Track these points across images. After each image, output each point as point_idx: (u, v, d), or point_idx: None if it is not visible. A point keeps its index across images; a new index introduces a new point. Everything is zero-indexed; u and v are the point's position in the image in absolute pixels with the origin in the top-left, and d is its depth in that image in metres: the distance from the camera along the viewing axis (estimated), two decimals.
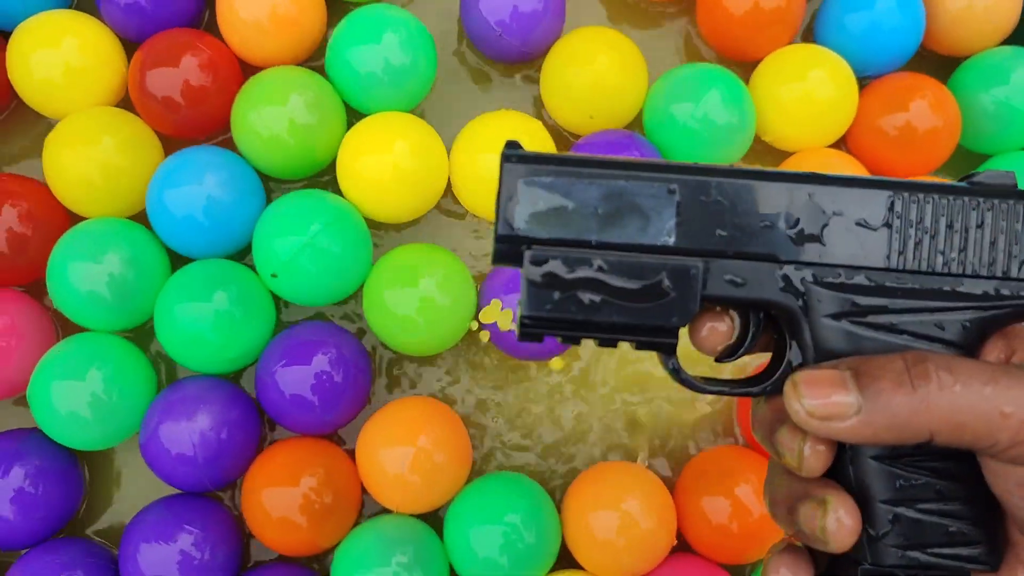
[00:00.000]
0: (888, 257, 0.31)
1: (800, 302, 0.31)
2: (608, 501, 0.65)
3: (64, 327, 0.72)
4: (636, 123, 0.75)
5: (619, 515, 0.65)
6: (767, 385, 0.31)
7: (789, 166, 0.74)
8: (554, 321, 0.30)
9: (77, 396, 0.64)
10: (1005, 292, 0.30)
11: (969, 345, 0.30)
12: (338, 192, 0.72)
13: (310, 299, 0.69)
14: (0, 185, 0.68)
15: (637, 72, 0.72)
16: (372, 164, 0.68)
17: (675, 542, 0.67)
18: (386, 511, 0.69)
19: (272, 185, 0.75)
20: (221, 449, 0.64)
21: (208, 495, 0.69)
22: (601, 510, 0.65)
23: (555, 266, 0.30)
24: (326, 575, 0.68)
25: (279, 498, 0.64)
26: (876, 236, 0.31)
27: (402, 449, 0.64)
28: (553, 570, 0.68)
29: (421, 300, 0.66)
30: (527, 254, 0.30)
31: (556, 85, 0.73)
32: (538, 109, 0.77)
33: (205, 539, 0.64)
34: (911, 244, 0.31)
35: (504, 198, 0.30)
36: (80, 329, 0.71)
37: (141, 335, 0.72)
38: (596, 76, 0.71)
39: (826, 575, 0.32)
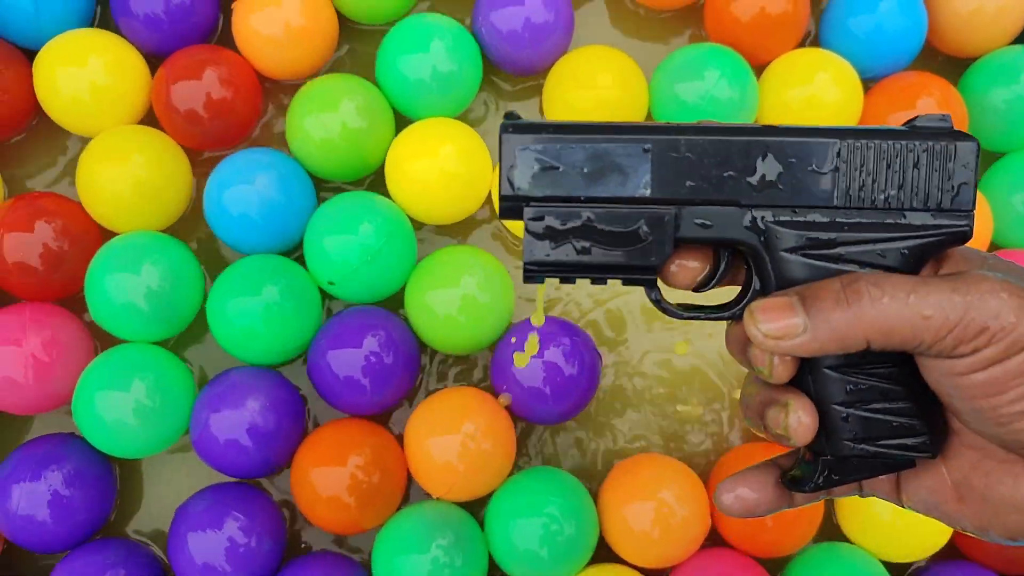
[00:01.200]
0: (836, 197, 0.35)
1: (761, 239, 0.35)
2: (644, 492, 0.70)
3: (102, 340, 0.77)
4: None
5: (654, 505, 0.69)
6: (736, 310, 0.36)
7: None
8: (551, 265, 0.36)
9: (122, 405, 0.69)
10: (939, 222, 0.35)
11: (909, 269, 0.35)
12: (384, 194, 0.77)
13: (362, 298, 0.76)
14: (34, 202, 0.72)
15: (637, 89, 0.78)
16: (420, 168, 0.74)
17: (708, 528, 0.72)
18: (427, 498, 0.74)
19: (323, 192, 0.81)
20: (270, 435, 0.69)
21: (252, 484, 0.74)
22: (637, 501, 0.70)
23: (550, 220, 0.35)
24: (366, 560, 0.73)
25: (328, 477, 0.69)
26: (826, 179, 0.35)
27: (450, 437, 0.69)
28: (590, 563, 0.72)
29: (463, 299, 0.71)
30: (526, 211, 0.35)
31: (558, 106, 0.78)
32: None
33: (251, 526, 0.68)
34: (856, 184, 0.35)
35: (505, 164, 0.35)
36: (118, 341, 0.75)
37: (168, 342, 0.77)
38: (597, 96, 0.77)
39: (797, 473, 0.38)
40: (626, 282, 0.36)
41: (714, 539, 0.74)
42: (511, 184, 0.35)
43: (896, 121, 0.79)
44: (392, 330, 0.71)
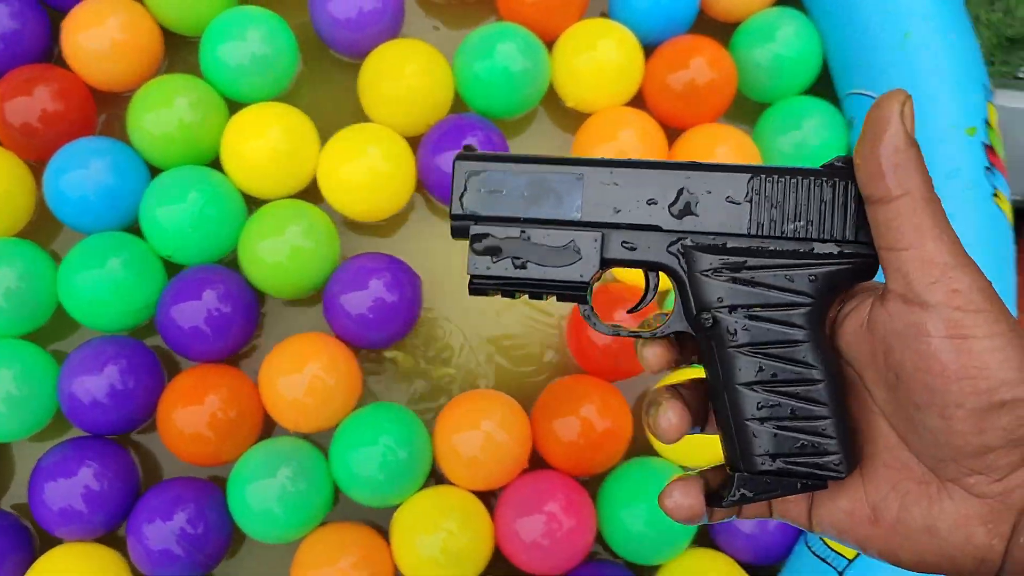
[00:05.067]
0: (750, 226, 0.40)
1: (681, 262, 0.41)
2: (471, 423, 0.89)
3: None
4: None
5: (480, 434, 0.88)
6: (658, 330, 0.43)
7: (589, 125, 0.92)
8: (492, 279, 0.42)
9: None
10: (846, 252, 0.40)
11: (817, 294, 0.40)
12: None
13: (202, 260, 0.93)
14: None
15: (441, 74, 0.98)
16: (252, 149, 0.93)
17: (529, 452, 0.90)
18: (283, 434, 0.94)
19: None
20: (129, 392, 0.87)
21: (107, 438, 0.92)
22: (465, 431, 0.89)
23: (492, 238, 0.42)
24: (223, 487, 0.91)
25: (190, 416, 0.87)
26: (740, 209, 0.40)
27: (298, 376, 0.87)
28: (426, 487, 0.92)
29: (290, 247, 0.90)
30: (472, 228, 0.42)
31: (373, 97, 0.97)
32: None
33: (103, 471, 0.86)
34: (768, 216, 0.40)
35: (457, 187, 0.43)
36: None
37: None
38: (408, 85, 0.96)
39: (716, 489, 0.43)
40: (560, 297, 0.43)
41: (540, 463, 0.93)
42: (461, 205, 0.42)
43: (675, 80, 0.96)
44: (229, 283, 0.91)
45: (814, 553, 0.87)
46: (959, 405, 0.35)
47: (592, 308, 0.43)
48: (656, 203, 0.41)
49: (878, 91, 0.96)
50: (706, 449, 0.90)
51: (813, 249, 0.40)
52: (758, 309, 0.40)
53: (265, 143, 0.92)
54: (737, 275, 0.40)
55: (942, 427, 0.36)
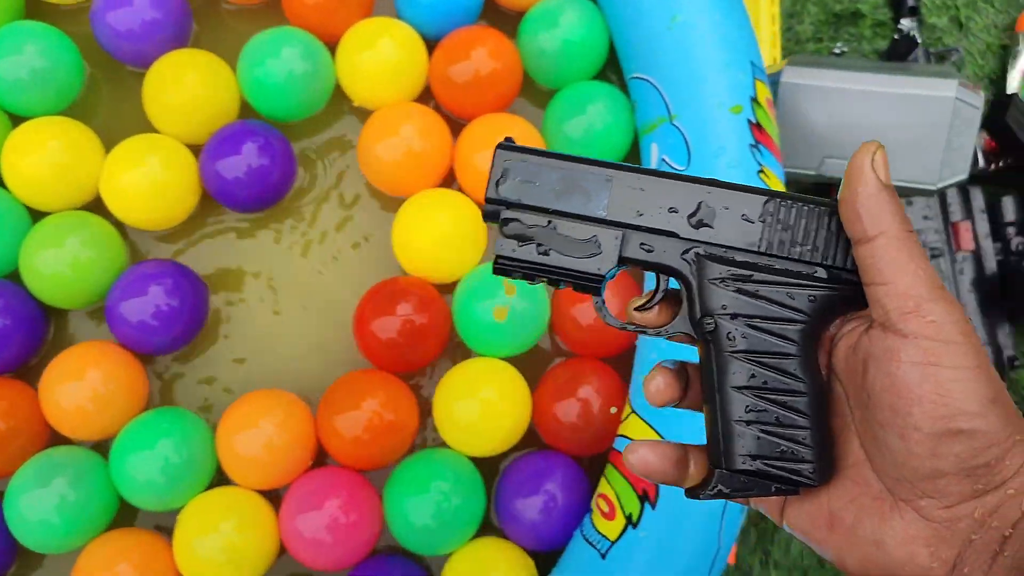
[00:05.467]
0: (761, 244, 0.43)
1: (692, 268, 0.44)
2: (250, 422, 0.91)
3: None
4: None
5: (260, 433, 0.90)
6: (663, 329, 0.46)
7: (371, 123, 0.93)
8: (516, 261, 0.45)
9: None
10: (843, 278, 0.43)
11: (814, 313, 0.43)
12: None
13: None
14: None
15: (224, 81, 1.01)
16: (31, 163, 0.95)
17: (314, 450, 0.93)
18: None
19: None
20: None
21: None
22: (245, 431, 0.91)
23: (520, 224, 0.45)
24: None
25: None
26: (753, 227, 0.44)
27: (77, 384, 0.90)
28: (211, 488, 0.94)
29: (71, 258, 0.92)
30: (504, 213, 0.45)
31: (156, 107, 1.00)
32: None
33: None
34: (777, 236, 0.43)
35: (494, 173, 0.45)
36: None
37: None
38: (193, 93, 0.98)
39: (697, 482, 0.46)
40: (576, 288, 0.46)
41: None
42: (496, 190, 0.45)
43: (457, 72, 0.98)
44: (8, 296, 0.93)
45: (584, 537, 0.89)
46: (917, 428, 0.38)
47: (604, 301, 0.46)
48: (676, 212, 0.44)
49: (654, 74, 0.97)
50: (493, 438, 0.92)
51: (815, 272, 0.43)
52: (758, 320, 0.43)
53: (45, 157, 0.95)
54: (742, 287, 0.43)
55: (900, 447, 0.39)
